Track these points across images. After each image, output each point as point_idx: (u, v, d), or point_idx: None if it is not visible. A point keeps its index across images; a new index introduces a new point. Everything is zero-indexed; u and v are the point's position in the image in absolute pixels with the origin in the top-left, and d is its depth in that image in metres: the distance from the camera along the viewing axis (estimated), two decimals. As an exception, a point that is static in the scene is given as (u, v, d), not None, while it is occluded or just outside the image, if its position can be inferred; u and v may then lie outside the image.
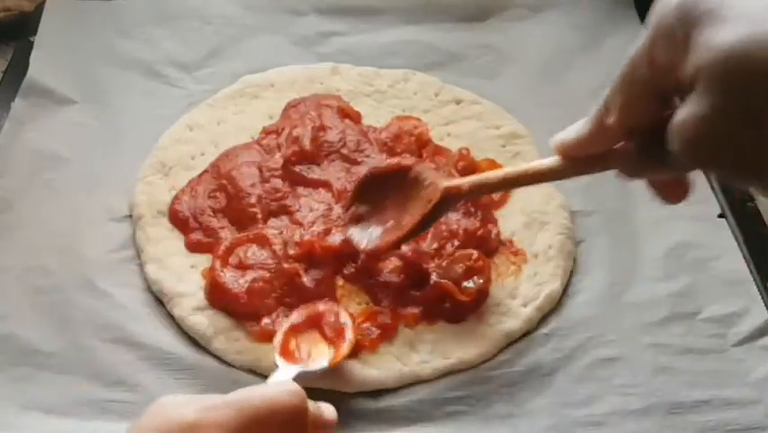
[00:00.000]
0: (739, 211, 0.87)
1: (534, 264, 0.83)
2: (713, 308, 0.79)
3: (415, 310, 0.78)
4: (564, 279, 0.82)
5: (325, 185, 0.87)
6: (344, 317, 0.75)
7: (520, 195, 0.88)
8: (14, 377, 0.73)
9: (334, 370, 0.73)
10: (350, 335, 0.73)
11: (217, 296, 0.78)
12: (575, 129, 0.58)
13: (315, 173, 0.88)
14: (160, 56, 1.03)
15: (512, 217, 0.87)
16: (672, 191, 0.57)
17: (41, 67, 0.97)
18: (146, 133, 0.93)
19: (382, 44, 1.05)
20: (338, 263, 0.80)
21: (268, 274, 0.79)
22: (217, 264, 0.79)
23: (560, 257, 0.83)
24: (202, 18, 1.08)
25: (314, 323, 0.75)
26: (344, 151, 0.89)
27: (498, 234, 0.84)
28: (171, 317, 0.78)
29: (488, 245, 0.83)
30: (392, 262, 0.81)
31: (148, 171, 0.90)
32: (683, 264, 0.83)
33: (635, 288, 0.82)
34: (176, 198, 0.87)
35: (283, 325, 0.75)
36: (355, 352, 0.75)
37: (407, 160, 0.82)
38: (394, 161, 0.82)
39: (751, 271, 0.82)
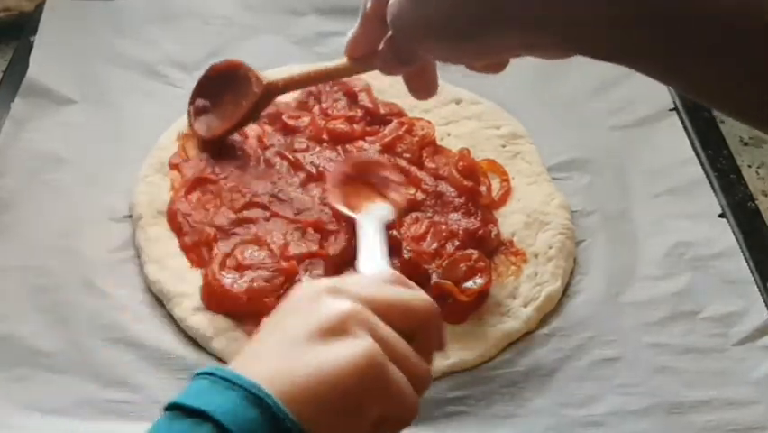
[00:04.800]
0: (739, 211, 0.87)
1: (534, 264, 0.83)
2: (713, 307, 0.79)
3: (415, 310, 0.78)
4: (565, 279, 0.82)
5: (320, 176, 0.87)
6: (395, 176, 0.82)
7: (520, 195, 0.89)
8: (14, 377, 0.72)
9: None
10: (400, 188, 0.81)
11: (215, 300, 0.77)
12: (352, 31, 0.72)
13: (308, 161, 0.89)
14: (161, 56, 1.03)
15: (512, 217, 0.87)
16: (421, 88, 0.72)
17: (40, 67, 0.97)
18: (146, 133, 0.93)
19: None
20: (337, 263, 0.80)
21: (267, 274, 0.79)
22: (215, 268, 0.79)
23: (560, 257, 0.83)
24: (202, 18, 1.08)
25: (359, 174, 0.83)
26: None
27: (498, 234, 0.84)
28: (171, 318, 0.78)
29: (488, 245, 0.83)
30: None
31: (148, 171, 0.90)
32: (683, 264, 0.83)
33: (635, 287, 0.81)
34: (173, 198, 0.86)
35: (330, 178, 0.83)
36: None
37: (237, 60, 0.91)
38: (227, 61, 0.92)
39: (751, 271, 0.82)
